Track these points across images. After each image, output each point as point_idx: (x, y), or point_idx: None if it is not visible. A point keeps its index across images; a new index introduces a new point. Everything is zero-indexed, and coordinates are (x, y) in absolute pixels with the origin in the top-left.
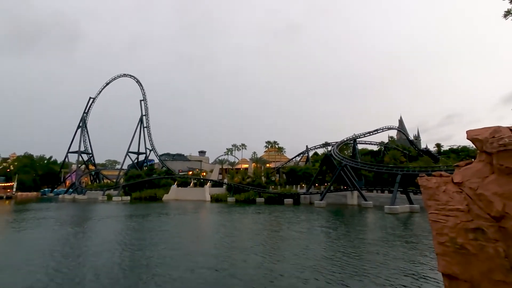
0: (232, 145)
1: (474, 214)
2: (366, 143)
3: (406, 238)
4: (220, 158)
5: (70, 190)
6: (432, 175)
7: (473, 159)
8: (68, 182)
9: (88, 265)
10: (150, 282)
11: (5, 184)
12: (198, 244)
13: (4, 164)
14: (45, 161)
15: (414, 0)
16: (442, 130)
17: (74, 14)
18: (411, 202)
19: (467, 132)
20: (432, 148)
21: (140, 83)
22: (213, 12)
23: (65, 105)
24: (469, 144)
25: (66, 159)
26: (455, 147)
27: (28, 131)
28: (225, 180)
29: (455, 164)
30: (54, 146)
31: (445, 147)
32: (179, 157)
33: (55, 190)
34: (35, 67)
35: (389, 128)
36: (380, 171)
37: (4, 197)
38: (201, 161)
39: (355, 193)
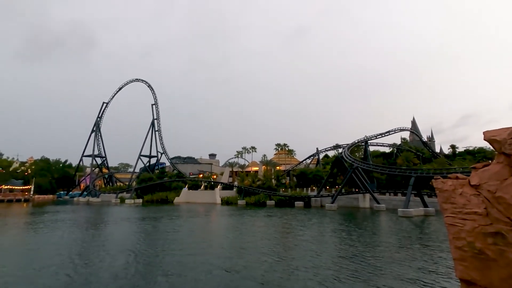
0: (242, 148)
1: (493, 218)
2: (378, 145)
3: (423, 242)
4: (230, 161)
5: (85, 193)
6: (447, 177)
7: (490, 161)
8: (82, 185)
9: (108, 266)
10: (172, 283)
11: (23, 187)
12: (212, 246)
13: (22, 167)
14: (61, 165)
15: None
16: (457, 131)
17: (91, 23)
18: (425, 205)
19: (484, 133)
20: (446, 149)
21: (152, 88)
22: (225, 17)
23: (80, 111)
24: (485, 145)
25: (81, 163)
26: (471, 148)
27: (45, 136)
28: (236, 183)
29: (472, 166)
30: (69, 150)
31: (461, 149)
32: (190, 160)
33: (70, 193)
34: (52, 74)
35: (402, 130)
36: (393, 173)
37: (22, 199)
38: (211, 164)
39: (367, 196)
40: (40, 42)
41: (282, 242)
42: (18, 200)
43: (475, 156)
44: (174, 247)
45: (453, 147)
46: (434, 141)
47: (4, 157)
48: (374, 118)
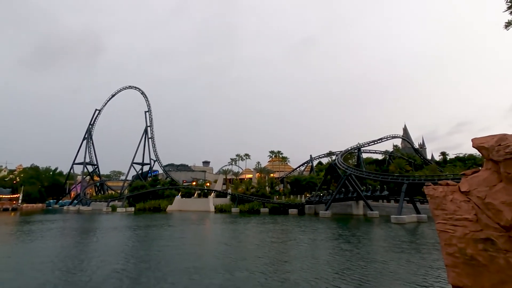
0: (236, 155)
1: (483, 224)
2: (371, 152)
3: (417, 249)
4: (224, 168)
5: (75, 201)
6: (438, 184)
7: (480, 168)
8: (73, 194)
9: (126, 279)
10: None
11: (11, 196)
12: (216, 254)
13: (11, 175)
14: (51, 173)
15: (422, 9)
16: (451, 139)
17: (98, 30)
18: (418, 212)
19: (472, 140)
20: (437, 156)
21: (145, 95)
22: (232, 26)
23: (75, 118)
24: (476, 152)
25: (72, 171)
26: (461, 155)
27: (36, 143)
28: (229, 191)
29: (462, 173)
30: (60, 157)
31: (451, 155)
32: (183, 167)
33: (60, 201)
34: (55, 82)
35: (394, 137)
36: (386, 180)
37: (10, 208)
38: (205, 171)
39: (361, 202)
40: (48, 50)
41: (285, 251)
42: (6, 209)
43: (466, 162)
44: (169, 258)
45: (443, 154)
46: (426, 148)
47: None
48: (366, 126)
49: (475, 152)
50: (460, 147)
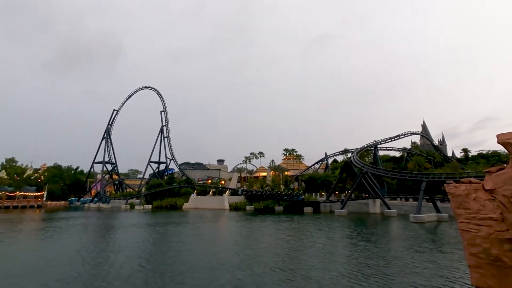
0: (250, 153)
1: (509, 223)
2: (388, 149)
3: (438, 249)
4: (238, 166)
5: (96, 199)
6: (460, 182)
7: (505, 165)
8: (93, 191)
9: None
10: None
11: (36, 194)
12: (235, 251)
13: (36, 174)
14: (72, 171)
15: (442, 2)
16: (473, 136)
17: (118, 33)
18: (438, 211)
19: (497, 136)
20: (459, 153)
21: (160, 95)
22: (247, 25)
23: (94, 118)
24: (500, 148)
25: (92, 169)
26: (484, 152)
27: (58, 143)
28: (244, 188)
29: (486, 170)
30: (81, 156)
31: (474, 152)
32: (198, 166)
33: (82, 199)
34: (76, 84)
35: (412, 133)
36: (404, 178)
37: (35, 206)
38: (219, 169)
39: (378, 201)
40: (70, 53)
41: (298, 249)
42: (32, 206)
43: (489, 160)
44: (190, 255)
45: (465, 150)
46: (446, 145)
47: (19, 164)
48: (383, 123)
49: (499, 148)
50: (483, 144)
